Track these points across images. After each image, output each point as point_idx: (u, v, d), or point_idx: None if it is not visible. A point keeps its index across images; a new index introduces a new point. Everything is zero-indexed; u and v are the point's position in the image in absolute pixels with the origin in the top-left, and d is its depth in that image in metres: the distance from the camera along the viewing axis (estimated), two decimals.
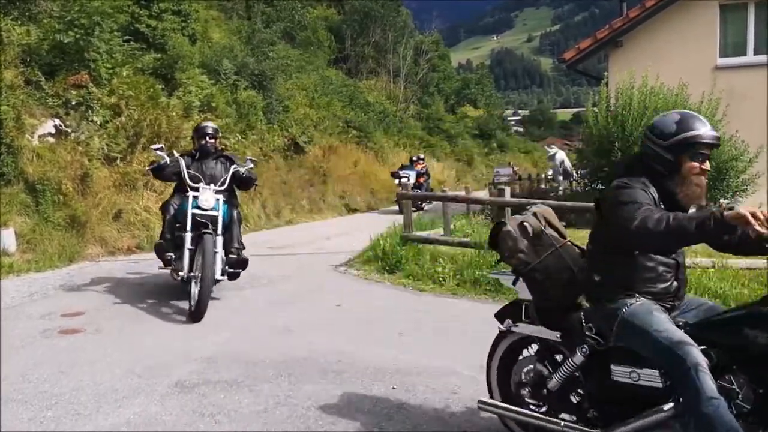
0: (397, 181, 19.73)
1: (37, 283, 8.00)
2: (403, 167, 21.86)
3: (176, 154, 7.23)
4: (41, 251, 9.36)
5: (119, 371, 4.69)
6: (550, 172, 31.70)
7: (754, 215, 2.51)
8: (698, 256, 7.76)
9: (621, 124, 12.26)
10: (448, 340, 5.53)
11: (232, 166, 7.17)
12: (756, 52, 14.11)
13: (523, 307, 3.36)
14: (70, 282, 8.19)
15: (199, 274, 6.12)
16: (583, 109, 16.83)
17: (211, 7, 23.62)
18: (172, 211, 6.99)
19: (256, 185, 8.19)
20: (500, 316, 3.49)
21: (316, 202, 18.72)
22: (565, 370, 3.15)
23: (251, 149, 16.11)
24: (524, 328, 3.37)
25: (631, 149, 11.98)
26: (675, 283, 3.04)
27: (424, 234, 10.04)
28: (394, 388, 4.33)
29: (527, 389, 3.36)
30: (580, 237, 10.81)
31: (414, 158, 23.22)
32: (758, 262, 7.40)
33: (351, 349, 5.21)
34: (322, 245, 11.90)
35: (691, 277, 6.72)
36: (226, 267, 6.65)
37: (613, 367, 2.98)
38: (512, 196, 9.96)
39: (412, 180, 19.76)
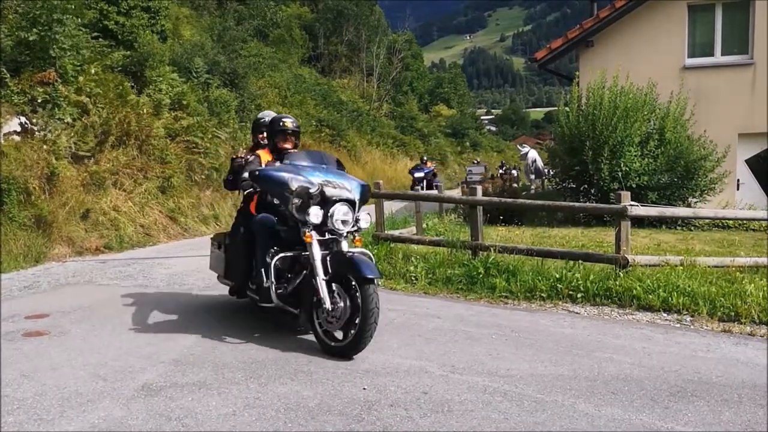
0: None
1: (1, 285, 7.81)
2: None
3: None
4: (6, 252, 9.16)
5: (84, 374, 4.59)
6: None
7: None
8: (667, 254, 7.86)
9: (592, 123, 12.40)
10: (420, 340, 5.51)
11: None
12: (723, 53, 14.35)
13: None
14: (36, 283, 8.03)
15: None
16: (555, 108, 16.95)
17: (182, 5, 23.37)
18: None
19: None
20: None
21: None
22: None
23: (223, 147, 15.99)
24: None
25: (602, 148, 12.11)
26: None
27: (396, 233, 10.02)
28: (365, 388, 4.30)
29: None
30: (553, 235, 10.90)
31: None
32: (726, 259, 7.51)
33: (323, 353, 5.16)
34: None
35: (660, 274, 6.81)
36: None
37: None
38: (484, 194, 9.98)
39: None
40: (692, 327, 5.98)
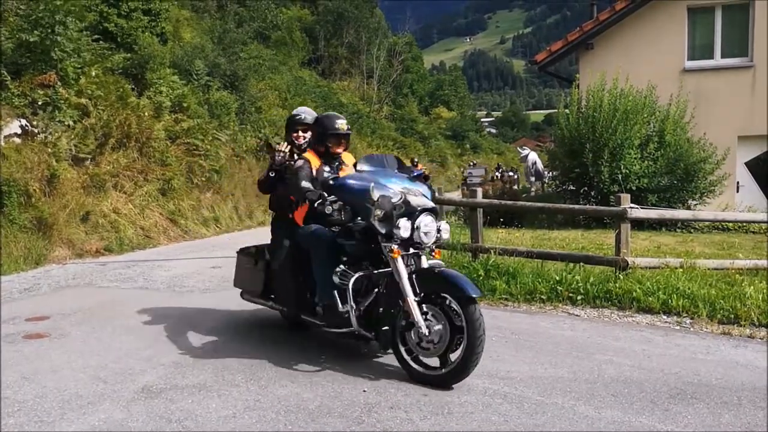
0: None
1: (2, 287, 7.82)
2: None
3: None
4: (6, 254, 9.17)
5: (84, 377, 4.60)
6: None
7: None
8: (667, 257, 7.86)
9: (592, 125, 12.40)
10: None
11: None
12: (723, 55, 14.36)
13: None
14: (36, 286, 8.04)
15: None
16: (555, 110, 16.97)
17: (183, 7, 23.40)
18: None
19: None
20: None
21: None
22: None
23: (224, 150, 16.02)
24: None
25: (602, 150, 12.12)
26: None
27: None
28: (365, 391, 4.30)
29: None
30: (553, 237, 10.89)
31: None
32: (725, 262, 7.51)
33: (322, 353, 5.17)
34: None
35: (659, 277, 6.81)
36: None
37: None
38: (484, 197, 9.98)
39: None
40: (692, 329, 5.98)
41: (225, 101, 17.14)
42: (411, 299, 4.35)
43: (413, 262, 4.59)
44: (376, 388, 4.35)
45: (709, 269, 7.16)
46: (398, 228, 4.41)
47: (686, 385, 4.41)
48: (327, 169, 5.20)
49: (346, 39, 38.89)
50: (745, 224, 11.50)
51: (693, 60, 14.44)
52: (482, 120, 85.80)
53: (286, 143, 5.68)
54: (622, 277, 6.90)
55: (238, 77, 18.76)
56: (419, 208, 4.52)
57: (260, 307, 5.98)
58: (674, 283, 6.64)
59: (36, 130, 10.92)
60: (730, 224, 11.63)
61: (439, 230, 4.62)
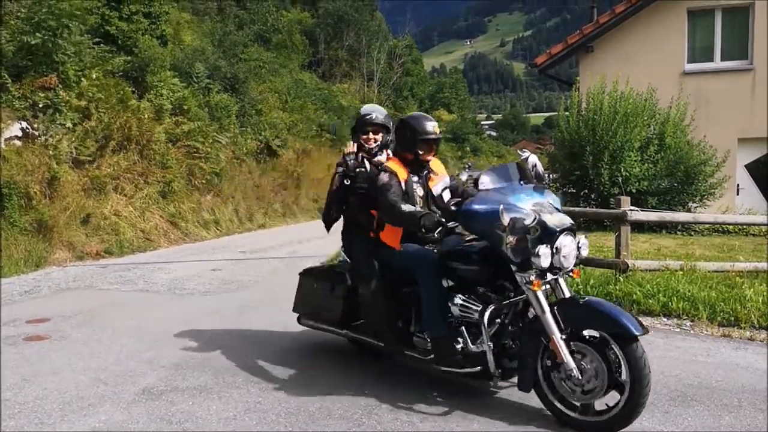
0: None
1: (2, 289, 7.83)
2: None
3: None
4: (6, 256, 9.18)
5: (85, 379, 4.61)
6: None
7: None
8: (667, 259, 7.86)
9: (592, 128, 12.39)
10: None
11: None
12: (723, 58, 14.36)
13: None
14: (36, 288, 8.04)
15: None
16: (555, 113, 16.97)
17: (183, 10, 23.45)
18: None
19: None
20: None
21: (290, 206, 18.65)
22: None
23: (224, 152, 16.03)
24: None
25: (602, 153, 12.11)
26: None
27: None
28: (365, 392, 4.31)
29: None
30: None
31: None
32: (725, 264, 7.51)
33: (323, 355, 5.18)
34: (296, 249, 11.83)
35: (660, 279, 6.81)
36: None
37: None
38: None
39: None
40: (692, 332, 5.99)
41: (225, 104, 17.17)
42: (557, 338, 3.71)
43: (550, 288, 4.00)
44: (376, 389, 4.35)
45: (709, 272, 7.16)
46: (538, 257, 3.70)
47: (686, 388, 4.42)
48: (415, 179, 4.53)
49: (347, 42, 38.96)
50: (745, 227, 11.50)
51: (693, 63, 14.45)
52: (482, 123, 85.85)
53: (353, 143, 5.01)
54: (622, 279, 6.89)
55: (239, 80, 18.79)
56: (558, 229, 3.80)
57: (262, 309, 5.97)
58: (674, 286, 6.63)
59: (37, 133, 10.93)
60: (730, 227, 11.62)
61: (578, 248, 3.94)
